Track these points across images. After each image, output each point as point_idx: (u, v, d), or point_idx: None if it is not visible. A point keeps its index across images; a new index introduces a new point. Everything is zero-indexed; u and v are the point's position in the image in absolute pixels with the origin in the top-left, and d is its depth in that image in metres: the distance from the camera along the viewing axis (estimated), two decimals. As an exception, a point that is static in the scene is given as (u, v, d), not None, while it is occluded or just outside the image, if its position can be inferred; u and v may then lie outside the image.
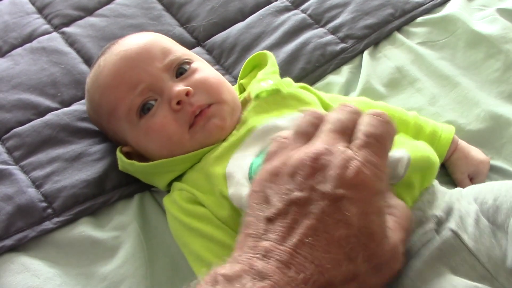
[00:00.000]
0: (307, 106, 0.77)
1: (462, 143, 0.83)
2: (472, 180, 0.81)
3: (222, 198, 0.71)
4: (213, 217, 0.72)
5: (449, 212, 0.66)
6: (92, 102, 0.83)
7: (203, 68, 0.80)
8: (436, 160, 0.72)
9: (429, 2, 1.03)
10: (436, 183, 0.73)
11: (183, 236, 0.73)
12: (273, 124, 0.74)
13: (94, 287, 0.74)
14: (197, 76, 0.78)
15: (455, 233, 0.63)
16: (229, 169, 0.72)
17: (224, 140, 0.76)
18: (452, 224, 0.64)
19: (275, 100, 0.78)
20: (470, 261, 0.62)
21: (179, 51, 0.81)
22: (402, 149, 0.66)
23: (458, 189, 0.74)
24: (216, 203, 0.71)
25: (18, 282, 0.73)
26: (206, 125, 0.75)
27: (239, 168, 0.71)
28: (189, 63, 0.79)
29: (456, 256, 0.62)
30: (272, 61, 0.85)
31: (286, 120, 0.74)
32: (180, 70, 0.78)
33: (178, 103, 0.74)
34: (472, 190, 0.72)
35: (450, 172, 0.82)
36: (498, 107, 0.87)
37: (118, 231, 0.79)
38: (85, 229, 0.79)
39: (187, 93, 0.74)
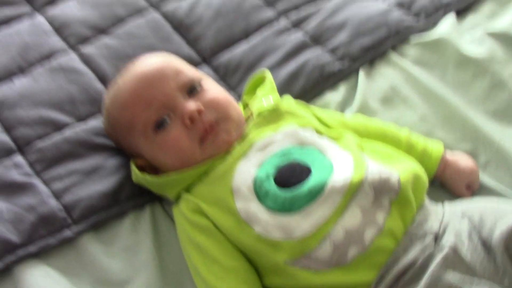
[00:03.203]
0: (302, 120, 0.86)
1: (451, 156, 0.90)
2: (469, 188, 0.88)
3: (227, 211, 0.78)
4: (214, 229, 0.79)
5: (445, 227, 0.75)
6: (110, 118, 0.90)
7: (212, 87, 0.88)
8: (424, 175, 0.80)
9: (422, 23, 1.10)
10: (427, 201, 0.81)
11: (186, 248, 0.81)
12: (270, 139, 0.83)
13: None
14: (207, 94, 0.86)
15: (454, 248, 0.71)
16: (236, 183, 0.79)
17: (228, 152, 0.83)
18: (451, 239, 0.72)
19: (272, 116, 0.87)
20: (468, 273, 0.70)
21: (191, 71, 0.89)
22: (392, 169, 0.77)
23: (447, 204, 0.81)
24: (220, 215, 0.79)
25: (39, 286, 0.80)
26: (215, 139, 0.83)
27: (244, 183, 0.79)
28: (199, 82, 0.87)
29: (457, 269, 0.71)
30: (270, 78, 0.94)
31: (280, 134, 0.83)
32: (192, 89, 0.86)
33: (191, 120, 0.82)
34: (460, 205, 0.80)
35: (447, 187, 0.89)
36: (484, 125, 0.94)
37: (130, 248, 0.86)
38: (97, 245, 0.86)
39: (199, 111, 0.82)
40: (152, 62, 0.89)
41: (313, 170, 0.78)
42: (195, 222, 0.80)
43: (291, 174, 0.78)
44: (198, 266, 0.78)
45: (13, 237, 0.84)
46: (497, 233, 0.70)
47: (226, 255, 0.77)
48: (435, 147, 0.89)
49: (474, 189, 0.88)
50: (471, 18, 1.11)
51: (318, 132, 0.85)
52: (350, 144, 0.82)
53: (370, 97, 1.01)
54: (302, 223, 0.74)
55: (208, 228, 0.79)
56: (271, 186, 0.77)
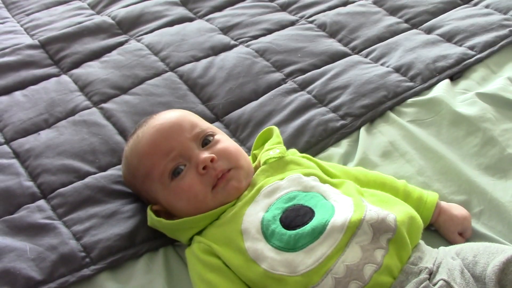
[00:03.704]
0: (306, 170, 0.93)
1: (445, 205, 0.96)
2: (461, 235, 0.93)
3: (237, 250, 0.84)
4: (224, 267, 0.84)
5: (438, 265, 0.81)
6: (130, 166, 0.97)
7: (224, 139, 0.96)
8: (418, 218, 0.86)
9: (418, 86, 1.19)
10: (422, 242, 0.86)
11: (196, 284, 0.86)
12: (277, 185, 0.90)
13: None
14: (219, 145, 0.94)
15: (447, 283, 0.76)
16: (244, 225, 0.86)
17: (238, 198, 0.90)
18: (444, 275, 0.78)
19: (279, 165, 0.95)
20: None
21: (204, 125, 0.97)
22: (389, 210, 0.83)
23: (442, 247, 0.87)
24: (230, 254, 0.84)
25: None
26: (226, 186, 0.90)
27: (252, 224, 0.85)
28: (212, 135, 0.95)
29: None
30: (277, 133, 1.02)
31: (286, 180, 0.90)
32: (205, 140, 0.94)
33: (204, 168, 0.89)
34: (454, 248, 0.86)
35: (441, 233, 0.95)
36: (477, 178, 1.00)
37: (143, 287, 0.90)
38: (113, 283, 0.91)
39: (212, 160, 0.90)
40: (170, 116, 0.97)
41: (316, 212, 0.84)
42: (206, 262, 0.85)
43: (295, 216, 0.84)
44: None
45: (35, 274, 0.89)
46: (490, 268, 0.75)
47: None
48: (430, 195, 0.96)
49: (467, 236, 0.93)
50: (464, 84, 1.20)
51: (321, 180, 0.92)
52: (351, 190, 0.89)
53: (370, 152, 1.08)
54: (305, 260, 0.79)
55: (218, 267, 0.84)
56: (277, 227, 0.83)
